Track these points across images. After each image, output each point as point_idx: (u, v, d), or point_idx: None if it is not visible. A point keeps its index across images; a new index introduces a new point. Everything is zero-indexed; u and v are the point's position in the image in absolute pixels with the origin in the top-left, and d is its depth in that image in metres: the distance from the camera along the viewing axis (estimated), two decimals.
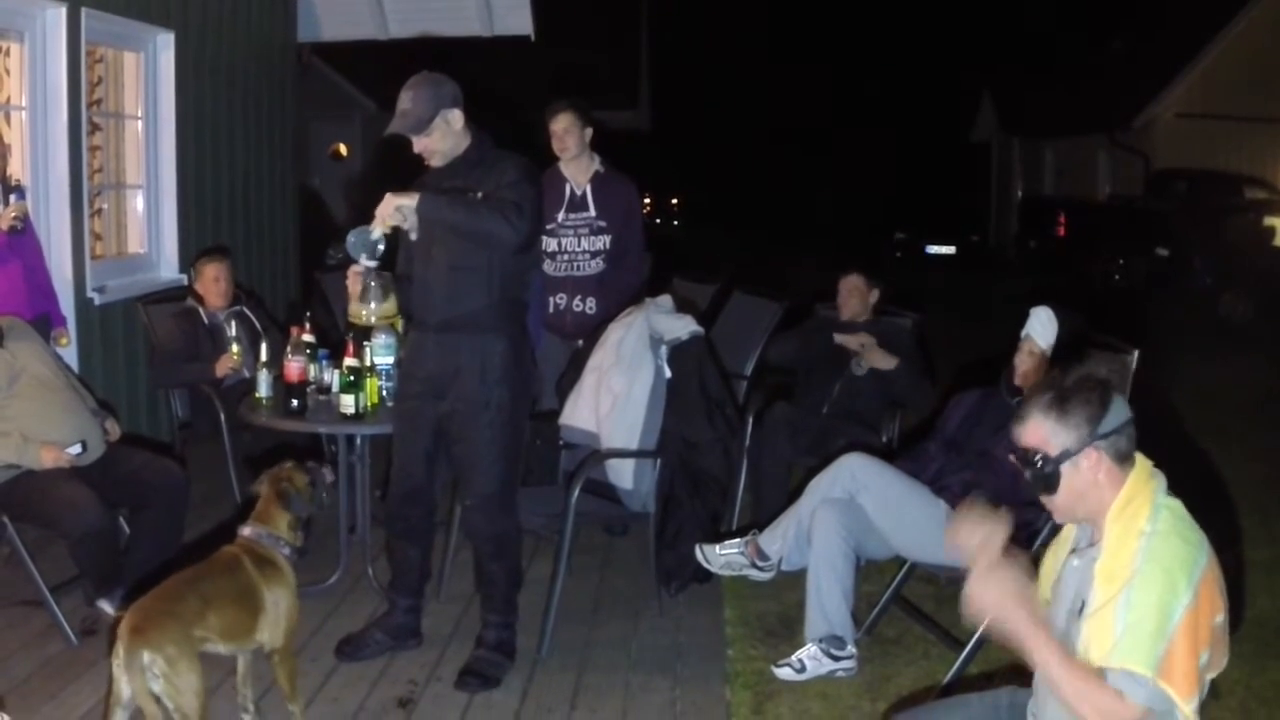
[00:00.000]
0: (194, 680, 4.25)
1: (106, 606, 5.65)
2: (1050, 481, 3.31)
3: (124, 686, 4.19)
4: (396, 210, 4.97)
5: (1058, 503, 3.35)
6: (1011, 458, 3.43)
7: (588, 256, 7.35)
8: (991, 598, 3.14)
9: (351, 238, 5.06)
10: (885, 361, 7.35)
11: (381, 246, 5.08)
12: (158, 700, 4.19)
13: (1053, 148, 31.38)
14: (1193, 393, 11.99)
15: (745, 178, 45.32)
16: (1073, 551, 3.40)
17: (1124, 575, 3.11)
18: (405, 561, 5.63)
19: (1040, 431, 3.30)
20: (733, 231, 35.15)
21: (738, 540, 5.99)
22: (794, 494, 6.18)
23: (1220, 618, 3.15)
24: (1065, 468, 3.27)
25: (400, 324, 5.77)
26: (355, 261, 5.13)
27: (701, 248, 27.33)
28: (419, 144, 5.12)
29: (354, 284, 5.22)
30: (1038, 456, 3.31)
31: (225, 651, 4.54)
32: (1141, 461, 3.33)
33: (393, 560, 5.72)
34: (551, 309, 7.39)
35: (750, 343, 7.68)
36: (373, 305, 5.22)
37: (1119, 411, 3.28)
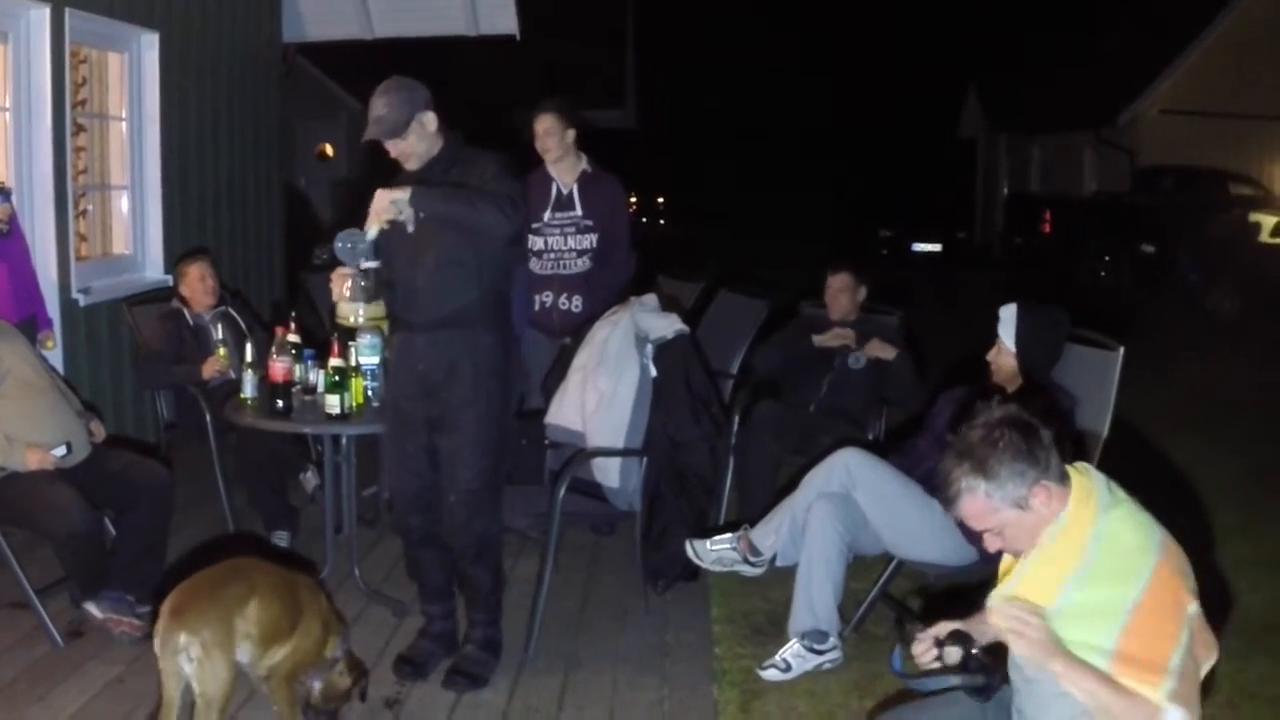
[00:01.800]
0: (225, 670, 4.28)
1: (92, 609, 5.63)
2: None
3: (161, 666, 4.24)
4: (391, 204, 4.93)
5: (1027, 549, 3.35)
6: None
7: (574, 255, 7.35)
8: (1054, 663, 3.17)
9: (339, 242, 5.03)
10: (886, 351, 7.34)
11: (372, 249, 5.05)
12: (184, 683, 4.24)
13: (1039, 144, 31.43)
14: (1179, 389, 12.03)
15: (731, 176, 45.32)
16: None
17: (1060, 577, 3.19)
18: (427, 568, 5.56)
19: (976, 504, 3.29)
20: (719, 230, 35.14)
21: (729, 535, 5.98)
22: (780, 492, 6.18)
23: (1192, 608, 3.16)
24: (1023, 517, 3.27)
25: (386, 326, 5.74)
26: (344, 264, 5.11)
27: (688, 246, 27.32)
28: (395, 148, 5.12)
29: (338, 285, 5.19)
30: (990, 530, 3.33)
31: (249, 658, 4.48)
32: (1076, 479, 3.33)
33: (415, 571, 5.67)
34: (538, 307, 7.40)
35: (736, 341, 7.68)
36: (361, 307, 5.20)
37: (1038, 438, 3.29)
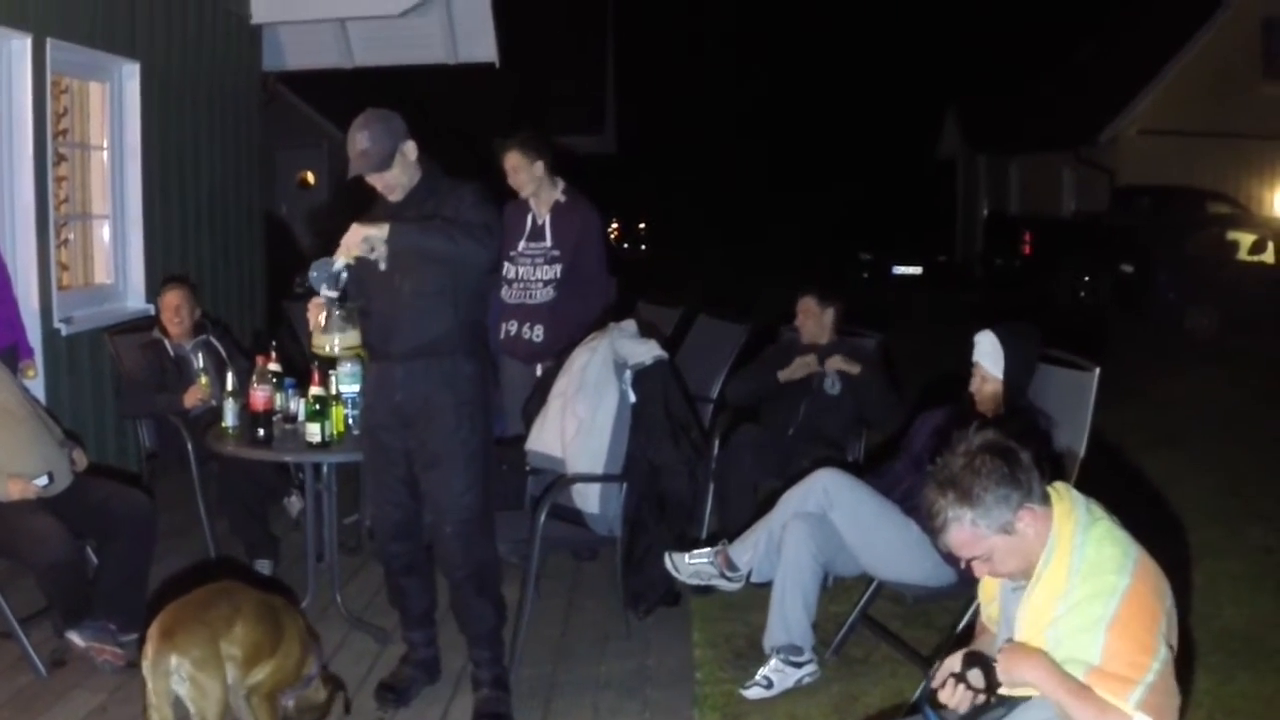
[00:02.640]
0: (218, 688, 4.33)
1: (75, 638, 5.63)
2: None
3: (151, 689, 4.25)
4: (364, 241, 4.89)
5: (1015, 572, 3.38)
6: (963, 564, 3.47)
7: (540, 285, 7.38)
8: (1028, 671, 3.21)
9: (314, 271, 5.02)
10: (850, 366, 7.36)
11: (345, 276, 5.03)
12: (177, 703, 4.26)
13: (1018, 165, 31.48)
14: (1158, 407, 12.10)
15: (712, 200, 45.38)
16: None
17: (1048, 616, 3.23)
18: (408, 595, 5.55)
19: (963, 533, 3.32)
20: (700, 255, 35.19)
21: (708, 550, 6.00)
22: (762, 511, 6.19)
23: (1163, 624, 3.19)
24: (1010, 541, 3.30)
25: (365, 354, 5.73)
26: (317, 293, 5.11)
27: (669, 271, 27.35)
28: (380, 181, 5.08)
29: (314, 315, 5.16)
30: (978, 558, 3.35)
31: (232, 679, 4.49)
32: (1056, 500, 3.36)
33: (396, 599, 5.64)
34: (503, 335, 7.42)
35: (716, 366, 7.71)
36: (337, 337, 5.16)
37: (1019, 462, 3.31)
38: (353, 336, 5.16)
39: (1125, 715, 3.08)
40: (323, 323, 5.12)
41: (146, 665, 4.27)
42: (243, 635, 4.49)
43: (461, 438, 5.12)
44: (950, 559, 5.17)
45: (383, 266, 4.97)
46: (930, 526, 3.41)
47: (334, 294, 5.04)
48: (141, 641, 4.44)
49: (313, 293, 5.16)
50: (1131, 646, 3.13)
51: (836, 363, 7.38)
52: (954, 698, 3.32)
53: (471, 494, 5.17)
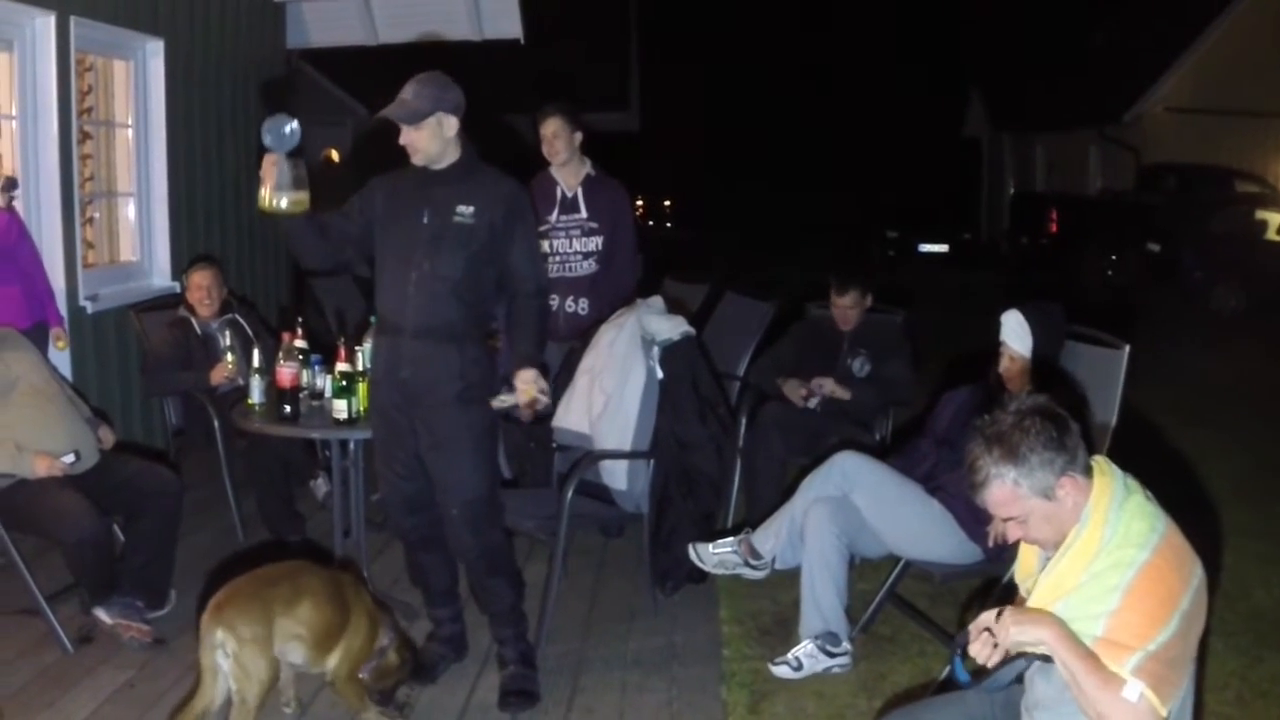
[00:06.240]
0: (262, 668, 4.33)
1: (102, 614, 5.64)
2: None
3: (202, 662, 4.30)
4: (540, 393, 5.06)
5: (1046, 540, 3.36)
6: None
7: (580, 257, 7.35)
8: (1043, 629, 3.18)
9: (266, 128, 4.91)
10: (841, 393, 7.40)
11: (297, 132, 4.93)
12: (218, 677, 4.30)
13: (1043, 143, 31.41)
14: (1186, 386, 12.04)
15: (737, 178, 45.32)
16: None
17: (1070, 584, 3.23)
18: (428, 571, 5.54)
19: (1003, 490, 3.30)
20: (726, 232, 35.14)
21: (731, 539, 6.00)
22: (788, 492, 6.18)
23: (1185, 603, 3.17)
24: (1048, 506, 3.28)
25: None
26: (268, 150, 4.96)
27: (695, 249, 27.33)
28: (406, 136, 5.03)
29: (268, 171, 5.01)
30: (1014, 518, 3.33)
31: (302, 659, 4.56)
32: (1098, 472, 3.34)
33: (416, 577, 5.66)
34: None
35: (742, 343, 7.70)
36: (285, 195, 5.00)
37: (1068, 429, 3.29)
38: (302, 195, 5.04)
39: (1120, 680, 3.06)
40: (273, 178, 5.02)
41: (200, 635, 4.32)
42: (310, 616, 4.52)
43: (467, 422, 5.11)
44: (976, 534, 5.19)
45: (540, 406, 5.14)
46: (970, 481, 3.37)
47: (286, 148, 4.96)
48: (199, 611, 4.47)
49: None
50: (1141, 619, 3.11)
51: (830, 389, 7.39)
52: (983, 651, 3.30)
53: (478, 476, 5.16)
